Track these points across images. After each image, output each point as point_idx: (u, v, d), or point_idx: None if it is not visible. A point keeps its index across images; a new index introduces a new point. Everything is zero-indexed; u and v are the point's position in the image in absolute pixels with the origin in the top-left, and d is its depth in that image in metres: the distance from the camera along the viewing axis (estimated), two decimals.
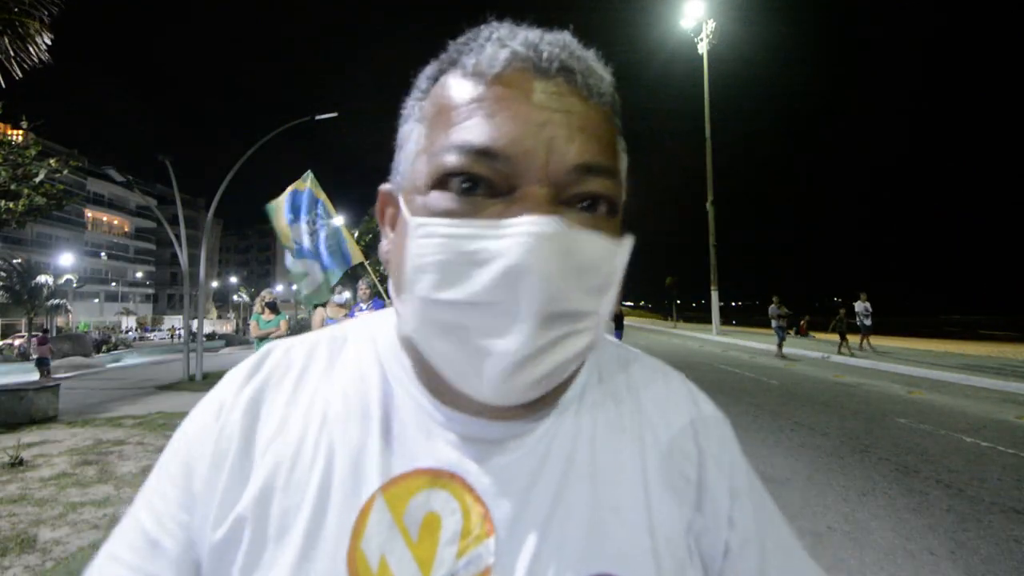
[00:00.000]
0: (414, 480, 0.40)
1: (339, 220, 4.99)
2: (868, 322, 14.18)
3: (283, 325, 6.93)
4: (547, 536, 0.39)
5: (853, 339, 14.38)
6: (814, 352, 14.68)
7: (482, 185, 0.35)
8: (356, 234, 28.63)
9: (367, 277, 5.79)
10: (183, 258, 11.69)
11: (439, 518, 0.39)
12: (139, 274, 60.79)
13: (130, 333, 51.11)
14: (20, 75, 8.02)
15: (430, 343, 0.37)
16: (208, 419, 0.43)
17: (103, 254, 54.79)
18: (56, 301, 35.83)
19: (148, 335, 51.97)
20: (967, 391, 8.72)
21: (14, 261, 33.39)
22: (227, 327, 55.01)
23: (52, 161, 11.11)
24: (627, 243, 0.39)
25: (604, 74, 0.40)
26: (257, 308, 7.05)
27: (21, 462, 4.47)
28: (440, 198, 0.36)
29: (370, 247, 28.37)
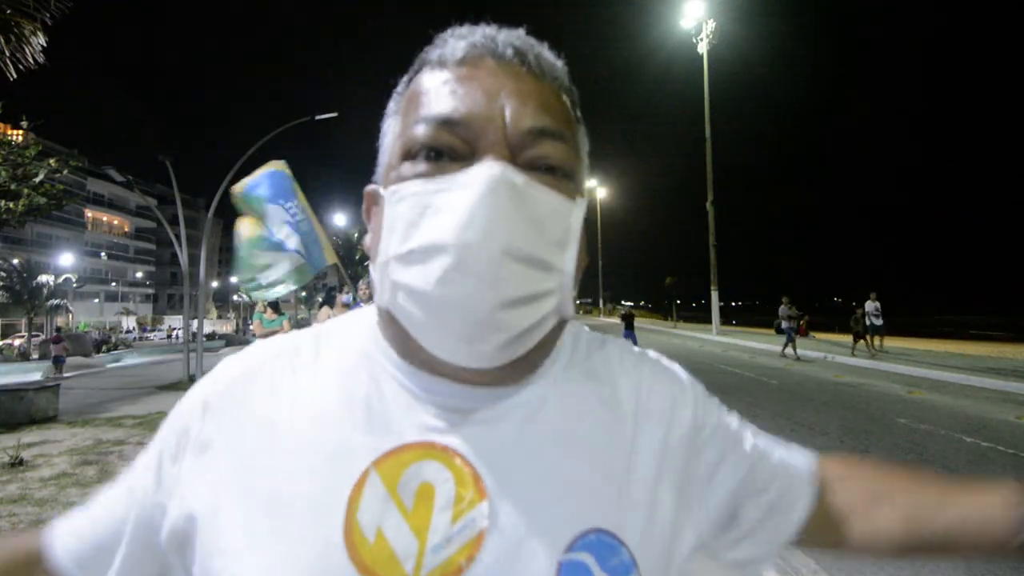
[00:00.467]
0: (406, 453, 0.41)
1: (314, 217, 4.84)
2: (879, 322, 13.94)
3: (286, 325, 6.94)
4: (538, 498, 0.40)
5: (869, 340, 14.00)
6: (814, 352, 14.67)
7: (446, 152, 0.39)
8: (356, 235, 28.68)
9: (367, 277, 5.79)
10: (183, 258, 11.69)
11: (432, 487, 0.40)
12: (139, 274, 60.80)
13: (130, 333, 51.15)
14: (15, 76, 8.02)
15: (405, 308, 0.39)
16: (191, 406, 0.47)
17: (103, 254, 54.81)
18: (56, 301, 35.83)
19: (148, 335, 51.99)
20: (967, 391, 8.72)
21: (14, 261, 33.40)
22: (227, 327, 55.00)
23: (52, 161, 11.12)
24: (580, 203, 0.42)
25: (556, 62, 0.44)
26: (259, 307, 7.05)
27: (21, 462, 4.48)
28: (410, 167, 0.40)
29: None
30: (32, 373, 14.93)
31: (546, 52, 0.44)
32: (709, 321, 28.55)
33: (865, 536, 0.50)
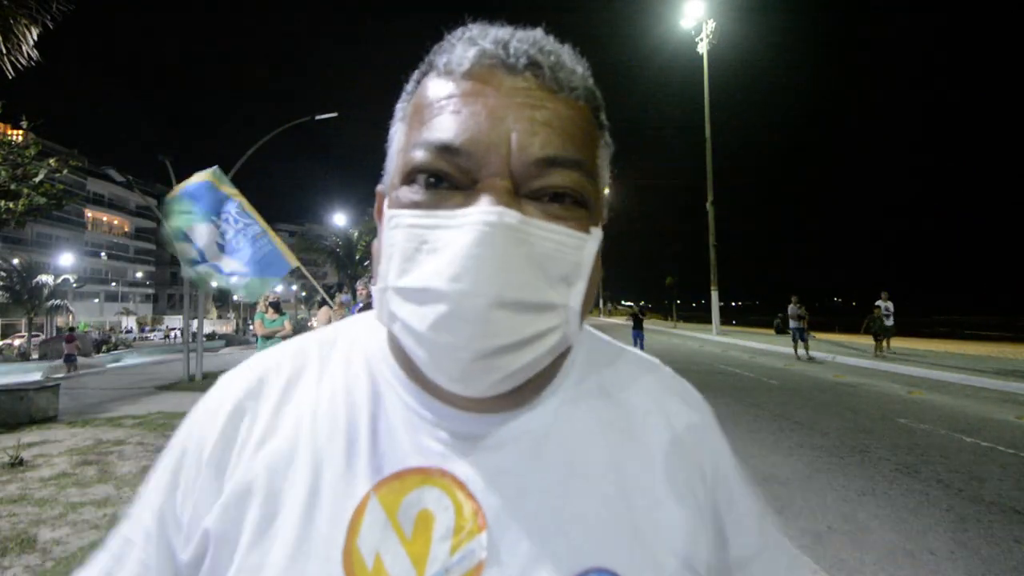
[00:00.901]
0: (406, 479, 0.40)
1: (264, 223, 4.69)
2: (889, 323, 13.50)
3: (287, 325, 6.96)
4: (540, 531, 0.39)
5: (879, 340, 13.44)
6: (814, 352, 14.65)
7: (446, 179, 0.37)
8: (356, 235, 28.63)
9: (366, 277, 5.78)
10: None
11: (432, 515, 0.39)
12: (139, 274, 60.77)
13: (130, 333, 51.11)
14: (13, 74, 8.00)
15: (400, 334, 0.38)
16: (194, 429, 0.45)
17: (103, 254, 54.77)
18: (56, 301, 35.83)
19: (147, 335, 51.96)
20: (967, 391, 8.72)
21: (14, 261, 33.39)
22: (227, 327, 54.98)
23: (52, 161, 11.11)
24: (595, 235, 0.39)
25: (576, 68, 0.40)
26: (261, 307, 7.06)
27: (21, 462, 4.47)
28: (409, 191, 0.38)
29: (370, 247, 28.38)
30: (32, 373, 14.94)
31: (565, 57, 0.40)
32: (709, 321, 28.54)
33: None
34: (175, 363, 13.43)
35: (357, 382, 0.45)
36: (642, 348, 10.84)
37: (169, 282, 63.83)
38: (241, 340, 35.50)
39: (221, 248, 4.49)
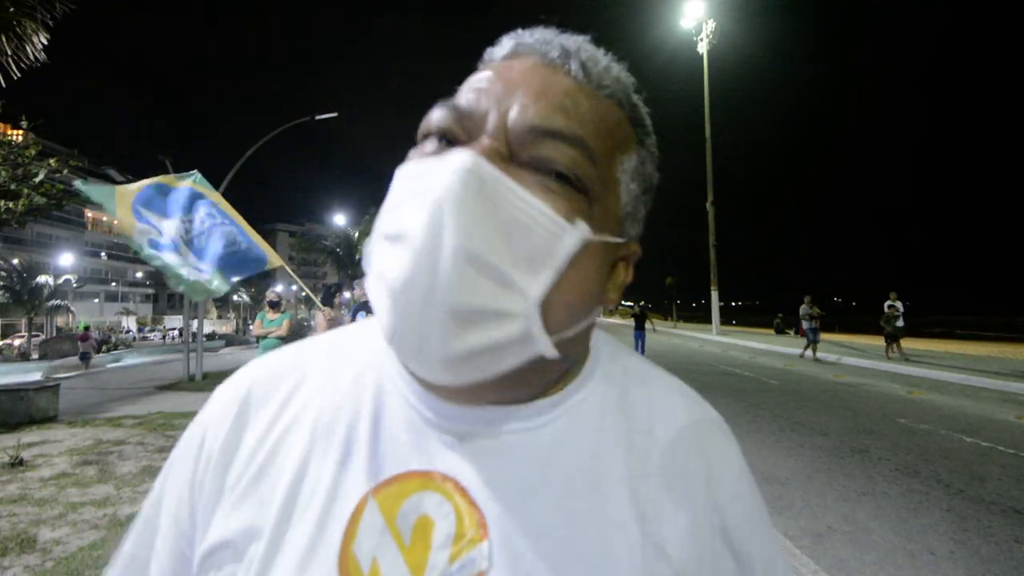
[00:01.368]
0: (406, 482, 0.39)
1: (242, 222, 4.71)
2: (900, 323, 13.06)
3: (285, 325, 6.94)
4: (544, 544, 0.37)
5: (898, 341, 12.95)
6: (820, 353, 14.64)
7: (448, 137, 0.38)
8: (356, 234, 28.62)
9: (363, 277, 5.77)
10: None
11: (432, 521, 0.38)
12: (139, 274, 60.75)
13: (130, 333, 51.11)
14: (18, 75, 8.02)
15: (374, 298, 0.37)
16: (195, 438, 0.45)
17: (103, 254, 54.77)
18: (57, 301, 35.83)
19: (147, 335, 51.95)
20: (967, 391, 8.72)
21: (14, 261, 33.39)
22: (227, 327, 54.98)
23: (52, 161, 11.10)
24: (579, 227, 0.36)
25: (612, 68, 0.41)
26: (267, 308, 7.07)
27: (21, 462, 4.47)
28: (415, 152, 0.40)
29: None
30: (32, 373, 14.93)
31: (601, 59, 0.40)
32: (709, 321, 28.55)
33: None
34: (175, 363, 13.43)
35: (362, 382, 0.45)
36: (643, 349, 10.68)
37: None
38: (241, 340, 35.48)
39: (187, 244, 4.51)
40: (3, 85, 8.12)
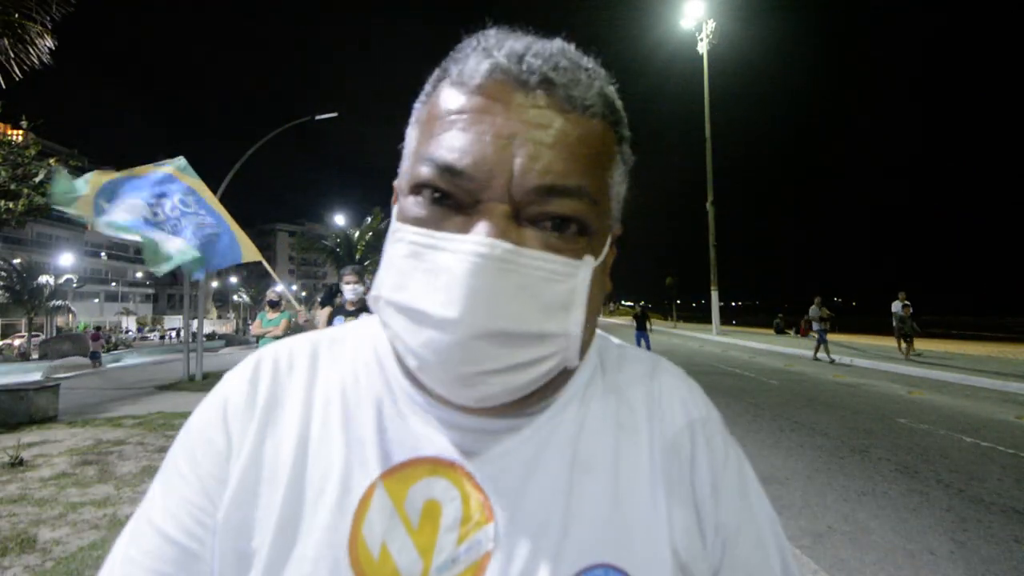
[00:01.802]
0: (414, 468, 0.41)
1: (224, 214, 4.67)
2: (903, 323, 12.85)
3: (283, 324, 6.92)
4: (546, 524, 0.39)
5: (900, 342, 12.84)
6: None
7: (449, 197, 0.37)
8: (356, 234, 28.60)
9: (368, 277, 5.79)
10: None
11: (439, 505, 0.40)
12: (139, 274, 60.76)
13: (130, 333, 51.13)
14: (20, 76, 8.03)
15: (393, 339, 0.39)
16: (211, 417, 0.44)
17: (103, 254, 54.77)
18: (57, 301, 35.84)
19: (147, 336, 51.97)
20: (967, 391, 8.72)
21: (14, 261, 33.39)
22: (227, 327, 55.01)
23: (52, 161, 11.10)
24: (589, 262, 0.39)
25: (594, 83, 0.39)
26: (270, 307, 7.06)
27: (21, 462, 4.47)
28: (414, 204, 0.39)
29: (370, 247, 28.36)
30: (32, 373, 14.93)
31: (582, 73, 0.39)
32: (709, 321, 28.55)
33: None
34: (175, 363, 13.43)
35: (367, 373, 0.46)
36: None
37: (169, 282, 63.81)
38: (241, 340, 35.49)
39: (157, 225, 4.44)
40: (3, 86, 8.13)
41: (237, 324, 57.70)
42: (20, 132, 11.32)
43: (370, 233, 28.08)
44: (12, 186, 10.35)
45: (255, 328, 6.95)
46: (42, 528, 3.20)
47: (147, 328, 57.03)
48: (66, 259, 42.53)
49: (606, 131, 0.40)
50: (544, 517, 0.40)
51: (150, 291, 62.62)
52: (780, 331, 25.30)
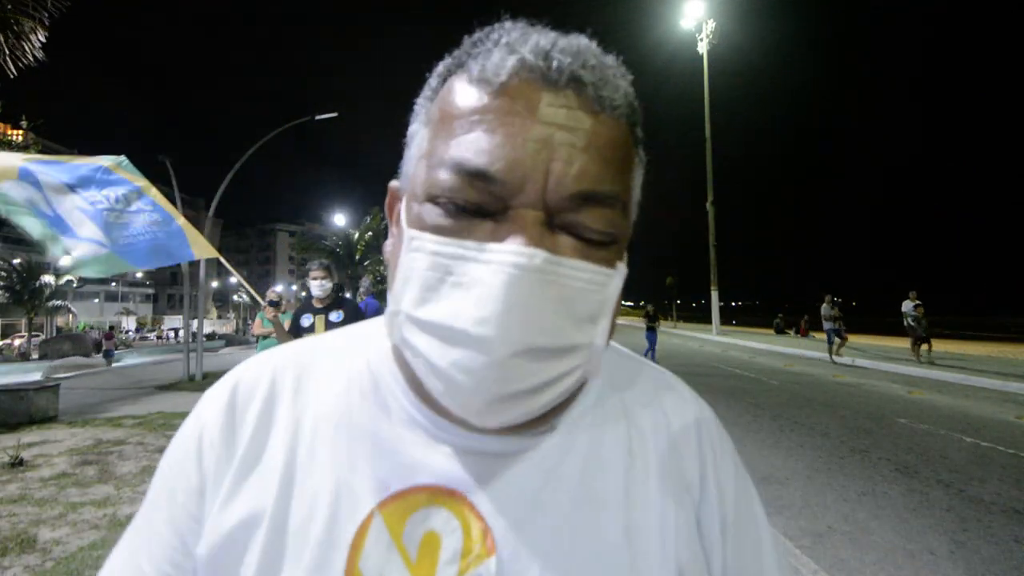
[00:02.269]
0: (412, 497, 0.38)
1: (173, 211, 4.62)
2: (914, 324, 12.53)
3: (284, 324, 6.92)
4: (551, 558, 0.37)
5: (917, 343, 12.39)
6: (813, 352, 14.66)
7: (474, 203, 0.34)
8: (356, 235, 28.59)
9: (368, 277, 5.78)
10: None
11: (439, 537, 0.37)
12: (139, 274, 60.77)
13: (130, 333, 51.13)
14: (15, 74, 8.02)
15: (414, 359, 0.37)
16: (188, 449, 0.42)
17: None
18: (57, 302, 35.83)
19: (147, 335, 51.98)
20: (967, 391, 8.72)
21: (14, 261, 33.37)
22: (227, 327, 55.02)
23: None
24: (621, 270, 0.38)
25: (620, 83, 0.37)
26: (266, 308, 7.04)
27: (21, 462, 4.47)
28: (433, 212, 0.35)
29: (370, 247, 28.35)
30: (32, 373, 14.93)
31: (609, 72, 0.37)
32: (709, 321, 28.56)
33: None
34: (175, 363, 13.43)
35: (359, 391, 0.43)
36: (654, 351, 10.63)
37: (169, 282, 63.85)
38: (241, 340, 35.49)
39: (89, 218, 4.33)
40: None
41: (237, 324, 57.68)
42: (20, 132, 11.31)
43: (369, 233, 28.08)
44: None
45: (256, 328, 6.95)
46: (42, 528, 3.20)
47: (146, 328, 57.04)
48: (66, 259, 42.43)
49: (628, 131, 0.38)
50: (548, 551, 0.37)
51: (150, 291, 62.64)
52: (780, 331, 25.30)
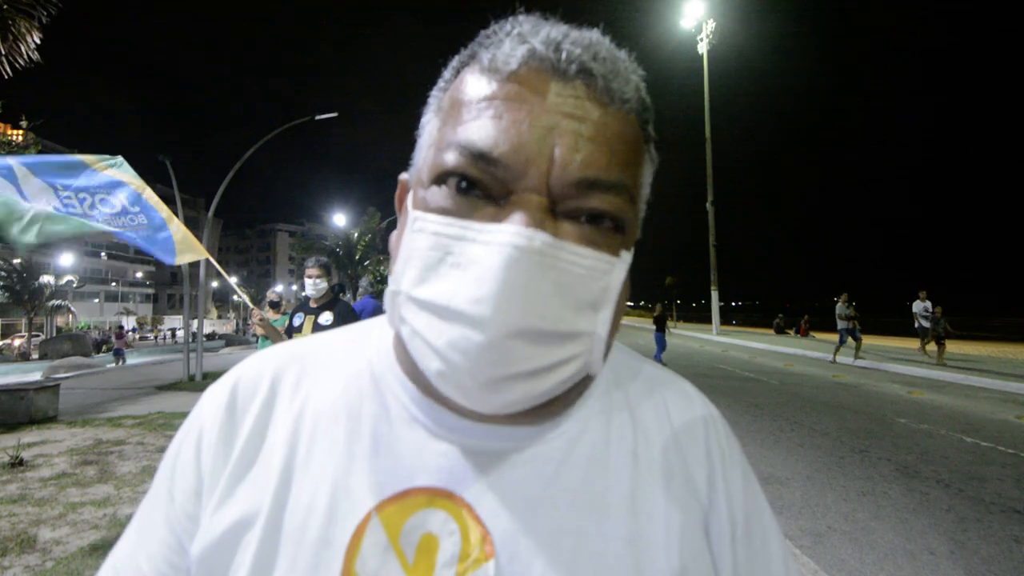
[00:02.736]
0: (410, 499, 0.38)
1: (167, 214, 4.60)
2: (927, 324, 12.23)
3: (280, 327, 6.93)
4: (551, 563, 0.37)
5: (927, 344, 12.16)
6: (813, 352, 14.66)
7: (479, 186, 0.35)
8: (356, 235, 28.61)
9: (367, 277, 5.78)
10: None
11: (436, 540, 0.37)
12: (139, 274, 60.80)
13: (130, 333, 51.13)
14: (11, 74, 8.01)
15: (410, 341, 0.36)
16: (187, 448, 0.43)
17: (103, 254, 54.80)
18: (57, 302, 35.85)
19: (147, 335, 51.99)
20: (967, 391, 8.72)
21: (14, 261, 33.37)
22: (227, 327, 55.03)
23: None
24: (625, 259, 0.37)
25: (632, 77, 0.38)
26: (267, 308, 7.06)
27: (21, 462, 4.47)
28: (438, 194, 0.36)
29: (370, 247, 28.36)
30: (32, 373, 14.94)
31: (620, 65, 0.37)
32: (709, 321, 28.56)
33: None
34: (175, 363, 13.43)
35: (358, 390, 0.43)
36: (661, 352, 10.58)
37: (169, 282, 63.86)
38: (241, 340, 35.50)
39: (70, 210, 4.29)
40: None
41: (237, 324, 57.70)
42: (20, 132, 11.31)
43: (369, 234, 28.08)
44: None
45: (256, 326, 6.94)
46: (42, 528, 3.20)
47: (146, 327, 57.06)
48: (66, 259, 42.50)
49: (639, 127, 0.38)
50: (547, 557, 0.37)
51: (150, 291, 62.63)
52: (780, 331, 25.30)
